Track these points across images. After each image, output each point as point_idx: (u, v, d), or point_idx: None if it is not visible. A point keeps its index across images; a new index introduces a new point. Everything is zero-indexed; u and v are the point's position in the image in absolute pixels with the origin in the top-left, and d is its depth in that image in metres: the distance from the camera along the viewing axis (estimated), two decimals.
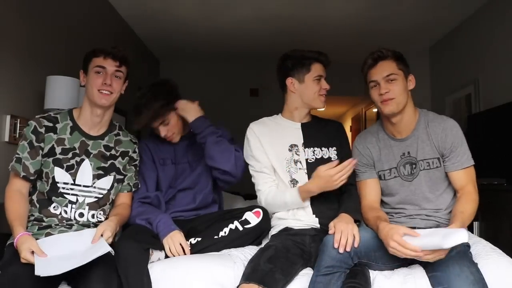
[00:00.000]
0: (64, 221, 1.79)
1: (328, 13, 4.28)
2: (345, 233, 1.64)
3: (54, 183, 1.79)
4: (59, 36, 3.18)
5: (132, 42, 4.94)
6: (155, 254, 1.83)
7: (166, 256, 1.86)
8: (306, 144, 2.01)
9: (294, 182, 1.96)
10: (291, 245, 1.77)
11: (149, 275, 1.67)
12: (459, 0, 3.98)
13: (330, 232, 1.68)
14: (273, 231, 1.97)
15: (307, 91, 1.99)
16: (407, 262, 1.74)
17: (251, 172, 2.05)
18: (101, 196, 1.86)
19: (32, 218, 1.79)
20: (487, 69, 4.00)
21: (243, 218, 1.97)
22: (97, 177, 1.85)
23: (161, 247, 1.86)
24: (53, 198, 1.79)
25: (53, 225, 1.78)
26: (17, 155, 1.79)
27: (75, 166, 1.82)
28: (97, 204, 1.85)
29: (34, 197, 1.82)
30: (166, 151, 2.20)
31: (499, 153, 3.30)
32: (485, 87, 4.04)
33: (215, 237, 1.93)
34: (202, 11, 4.27)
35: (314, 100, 2.01)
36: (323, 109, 2.15)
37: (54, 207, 1.79)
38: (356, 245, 1.63)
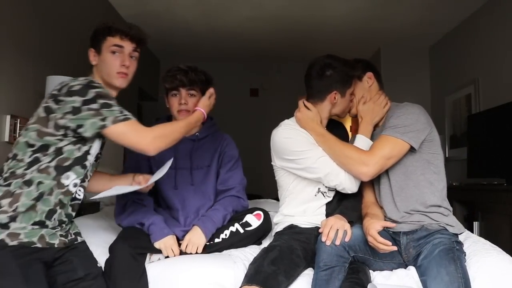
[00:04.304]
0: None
1: (328, 13, 4.28)
2: (334, 227, 1.67)
3: (87, 153, 1.59)
4: (59, 36, 3.17)
5: None
6: (155, 256, 1.83)
7: (167, 256, 1.86)
8: None
9: (319, 191, 1.93)
10: (296, 245, 1.75)
11: (146, 279, 1.67)
12: (459, 0, 3.98)
13: (321, 230, 1.71)
14: (277, 228, 1.95)
15: (344, 104, 1.97)
16: (404, 264, 1.75)
17: (308, 165, 1.84)
18: (91, 175, 1.70)
19: (41, 187, 1.51)
20: (487, 69, 4.00)
21: (244, 221, 1.96)
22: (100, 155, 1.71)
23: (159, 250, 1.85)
24: (75, 167, 1.57)
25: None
26: (118, 107, 1.54)
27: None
28: (86, 182, 1.68)
29: (53, 163, 1.53)
30: (167, 156, 1.99)
31: (499, 153, 3.30)
32: (485, 87, 4.04)
33: (216, 240, 1.92)
34: (202, 11, 4.28)
35: (345, 112, 2.02)
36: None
37: (67, 177, 1.56)
38: (347, 239, 1.65)
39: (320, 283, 1.57)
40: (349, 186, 1.83)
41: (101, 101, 1.51)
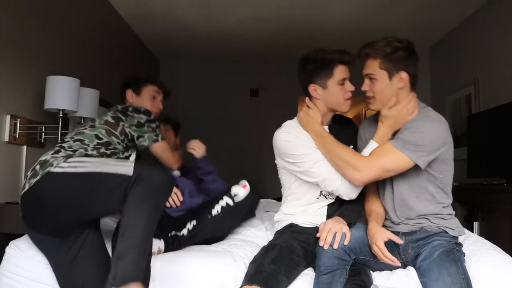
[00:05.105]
0: None
1: (328, 13, 4.29)
2: (332, 231, 1.64)
3: (127, 158, 2.00)
4: (59, 36, 3.17)
5: (132, 42, 4.94)
6: (155, 243, 1.82)
7: (166, 245, 1.87)
8: None
9: (321, 193, 1.90)
10: (296, 245, 1.75)
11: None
12: (459, 0, 3.98)
13: (318, 234, 1.68)
14: (278, 227, 1.95)
15: (331, 97, 1.85)
16: (403, 264, 1.74)
17: (305, 168, 1.81)
18: None
19: None
20: (487, 69, 4.00)
21: (231, 193, 2.00)
22: None
23: (159, 236, 1.87)
24: None
25: None
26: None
27: None
28: None
29: (108, 152, 1.88)
30: None
31: (499, 153, 3.30)
32: (485, 87, 4.04)
33: (209, 216, 1.95)
34: (202, 11, 4.27)
35: (340, 105, 1.88)
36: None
37: None
38: (346, 242, 1.63)
39: (322, 286, 1.56)
40: (345, 192, 1.78)
41: (157, 123, 2.06)
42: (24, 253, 1.75)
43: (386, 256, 1.60)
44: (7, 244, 1.80)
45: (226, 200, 1.97)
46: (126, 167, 1.58)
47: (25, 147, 2.72)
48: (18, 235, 1.88)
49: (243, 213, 2.01)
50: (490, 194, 3.18)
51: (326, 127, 1.94)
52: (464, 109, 4.40)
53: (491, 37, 3.95)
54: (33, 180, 1.60)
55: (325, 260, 1.60)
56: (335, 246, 1.61)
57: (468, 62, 4.38)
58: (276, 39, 5.04)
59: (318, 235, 1.68)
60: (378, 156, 1.66)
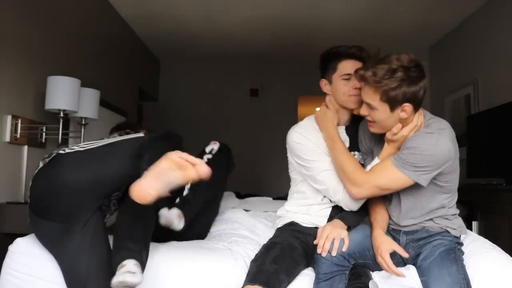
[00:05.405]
0: None
1: (328, 13, 4.29)
2: (330, 237, 1.63)
3: None
4: (59, 36, 3.18)
5: (132, 42, 4.95)
6: (170, 211, 1.75)
7: (180, 209, 1.87)
8: (351, 149, 1.84)
9: (325, 196, 1.88)
10: (296, 243, 1.75)
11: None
12: (459, 0, 3.99)
13: (316, 241, 1.67)
14: (279, 223, 1.95)
15: (336, 92, 1.84)
16: (403, 262, 1.74)
17: (312, 173, 1.81)
18: None
19: None
20: (487, 69, 4.01)
21: (206, 151, 2.10)
22: None
23: (168, 206, 1.86)
24: None
25: None
26: None
27: None
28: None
29: None
30: None
31: (498, 153, 3.31)
32: (485, 87, 4.05)
33: None
34: (202, 11, 4.28)
35: (345, 102, 1.83)
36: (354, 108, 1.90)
37: None
38: (344, 249, 1.61)
39: None
40: (345, 204, 1.77)
41: None
42: (28, 251, 1.75)
43: (391, 268, 1.58)
44: (8, 244, 1.80)
45: (206, 156, 2.06)
46: (137, 134, 1.68)
47: (26, 147, 2.73)
48: (19, 235, 1.88)
49: (224, 163, 2.11)
50: (490, 194, 3.19)
51: (343, 128, 1.92)
52: (463, 109, 4.41)
53: (491, 37, 3.95)
54: (47, 159, 1.65)
55: (323, 268, 1.59)
56: (334, 254, 1.60)
57: (468, 62, 4.39)
58: (276, 39, 5.05)
59: (315, 242, 1.67)
60: (377, 173, 1.63)
